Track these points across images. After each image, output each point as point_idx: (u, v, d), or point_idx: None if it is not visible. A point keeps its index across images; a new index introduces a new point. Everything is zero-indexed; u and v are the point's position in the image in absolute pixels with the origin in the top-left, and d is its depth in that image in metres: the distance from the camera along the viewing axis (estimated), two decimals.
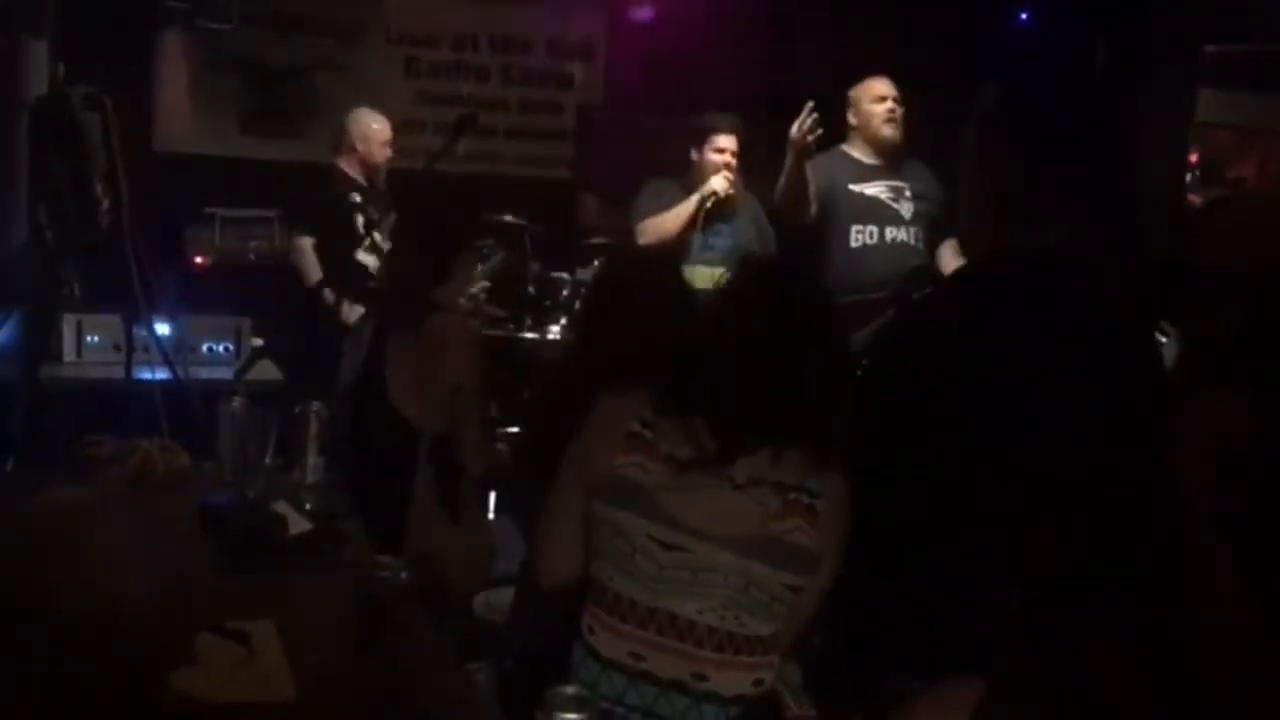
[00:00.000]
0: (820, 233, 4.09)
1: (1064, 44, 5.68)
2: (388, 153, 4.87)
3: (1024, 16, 6.01)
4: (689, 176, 4.30)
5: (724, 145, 4.25)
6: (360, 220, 4.71)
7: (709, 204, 4.18)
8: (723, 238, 4.23)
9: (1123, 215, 4.32)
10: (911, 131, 4.19)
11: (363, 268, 4.75)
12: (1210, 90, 5.48)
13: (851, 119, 4.19)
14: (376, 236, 4.62)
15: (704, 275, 3.99)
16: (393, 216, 4.74)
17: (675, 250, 4.06)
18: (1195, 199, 5.50)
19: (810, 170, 3.93)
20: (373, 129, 4.83)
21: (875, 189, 4.12)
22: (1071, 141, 1.94)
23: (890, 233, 4.06)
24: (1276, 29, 4.91)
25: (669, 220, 4.20)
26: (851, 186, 4.11)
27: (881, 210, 4.09)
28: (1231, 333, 1.92)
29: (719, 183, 4.17)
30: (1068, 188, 1.91)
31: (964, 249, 2.09)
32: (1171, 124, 5.50)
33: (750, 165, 4.35)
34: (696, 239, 4.18)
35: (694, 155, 4.29)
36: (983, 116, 2.02)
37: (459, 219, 3.14)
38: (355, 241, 4.71)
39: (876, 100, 4.13)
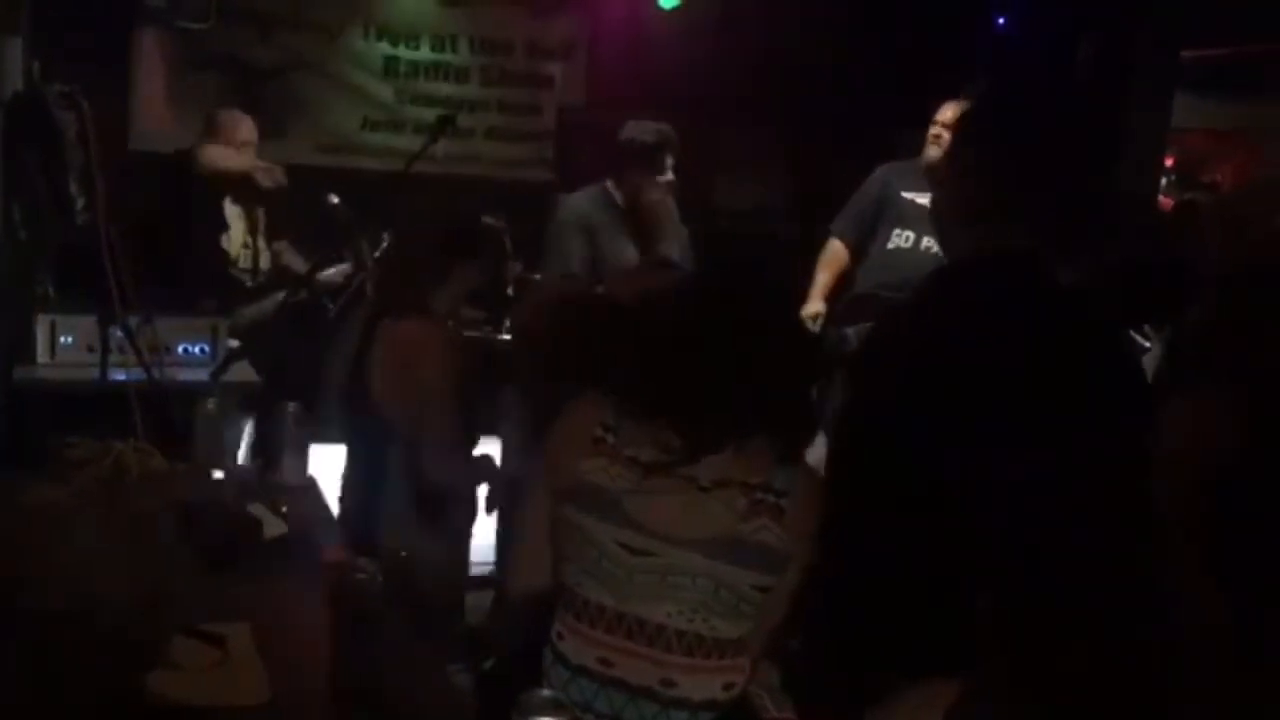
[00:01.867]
0: (871, 232, 4.29)
1: (1046, 47, 5.71)
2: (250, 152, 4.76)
3: (1001, 21, 6.04)
4: (620, 186, 4.24)
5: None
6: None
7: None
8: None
9: (1101, 219, 4.35)
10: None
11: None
12: (1186, 94, 5.53)
13: None
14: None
15: None
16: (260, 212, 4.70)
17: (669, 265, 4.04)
18: (1166, 201, 5.55)
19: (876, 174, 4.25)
20: (239, 128, 4.72)
21: (928, 199, 4.17)
22: (1051, 146, 1.94)
23: (926, 241, 4.15)
24: (1250, 33, 4.95)
25: None
26: (904, 193, 4.25)
27: (926, 219, 4.14)
28: (1206, 331, 1.92)
29: None
30: (1047, 192, 1.92)
31: (944, 250, 2.09)
32: (1150, 127, 5.53)
33: (722, 165, 4.33)
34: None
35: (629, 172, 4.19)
36: (963, 119, 2.03)
37: (470, 224, 3.10)
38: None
39: (931, 122, 4.20)
